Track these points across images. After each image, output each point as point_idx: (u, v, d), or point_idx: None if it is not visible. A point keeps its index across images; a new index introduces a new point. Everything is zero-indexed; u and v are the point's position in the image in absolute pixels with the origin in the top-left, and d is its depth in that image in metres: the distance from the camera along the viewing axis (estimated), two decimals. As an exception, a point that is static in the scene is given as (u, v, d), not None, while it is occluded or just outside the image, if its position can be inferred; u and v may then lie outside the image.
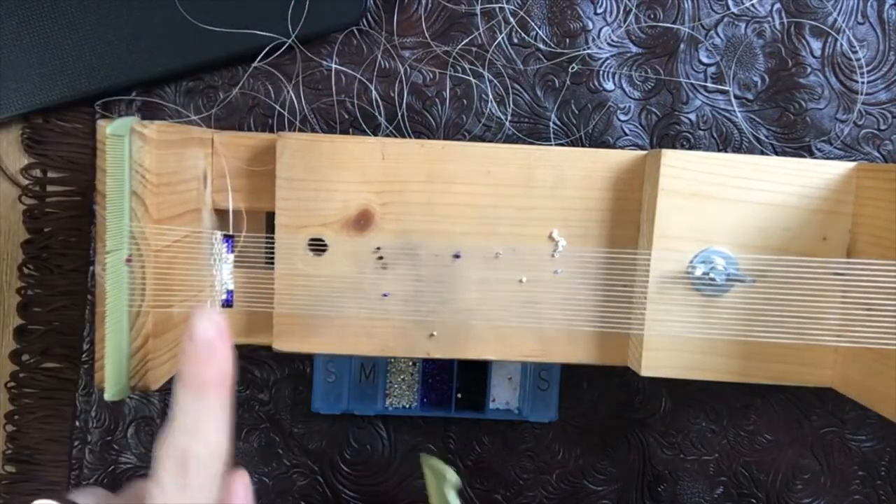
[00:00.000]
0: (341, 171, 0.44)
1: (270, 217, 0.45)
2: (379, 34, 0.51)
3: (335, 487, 0.55)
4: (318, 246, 0.44)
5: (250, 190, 0.45)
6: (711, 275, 0.41)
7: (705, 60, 0.51)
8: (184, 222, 0.41)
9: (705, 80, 0.51)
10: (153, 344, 0.38)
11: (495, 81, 0.51)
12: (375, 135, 0.51)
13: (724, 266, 0.42)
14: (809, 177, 0.42)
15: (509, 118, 0.51)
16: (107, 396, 0.37)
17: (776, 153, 0.51)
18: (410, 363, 0.54)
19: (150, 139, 0.37)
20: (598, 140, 0.51)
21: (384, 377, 0.53)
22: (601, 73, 0.51)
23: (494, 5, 0.50)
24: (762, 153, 0.51)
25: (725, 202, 0.42)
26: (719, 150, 0.51)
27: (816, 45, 0.51)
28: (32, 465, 0.54)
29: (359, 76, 0.51)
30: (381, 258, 0.44)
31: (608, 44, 0.51)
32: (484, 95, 0.51)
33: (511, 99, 0.51)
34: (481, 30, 0.51)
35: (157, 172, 0.37)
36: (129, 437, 0.54)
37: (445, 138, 0.51)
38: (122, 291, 0.37)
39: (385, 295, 0.45)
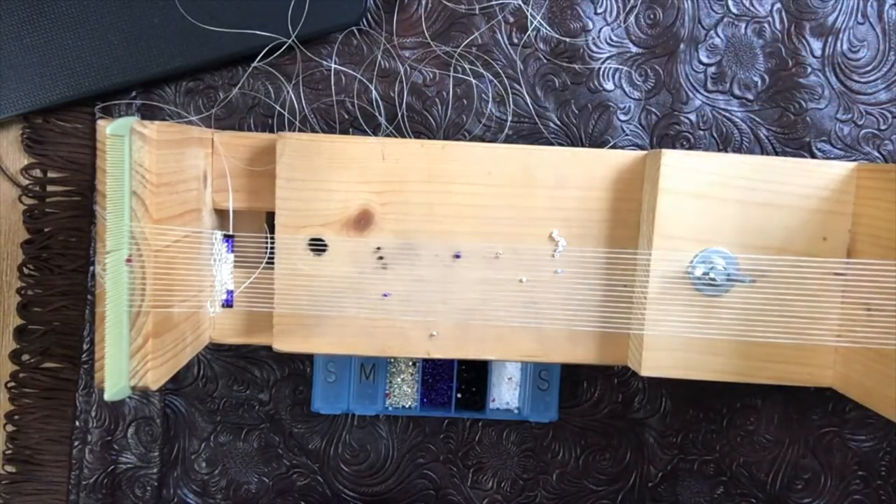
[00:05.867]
0: (341, 172, 0.44)
1: (270, 217, 0.45)
2: (379, 34, 0.51)
3: (335, 487, 0.55)
4: (318, 246, 0.44)
5: (250, 190, 0.45)
6: (711, 275, 0.41)
7: (705, 60, 0.51)
8: (184, 222, 0.41)
9: (705, 80, 0.51)
10: (153, 344, 0.38)
11: (495, 81, 0.51)
12: (375, 135, 0.51)
13: (724, 266, 0.42)
14: (809, 177, 0.42)
15: (509, 118, 0.51)
16: (107, 396, 0.37)
17: (776, 153, 0.51)
18: (410, 363, 0.54)
19: (150, 139, 0.37)
20: (598, 140, 0.51)
21: (384, 377, 0.53)
22: (601, 73, 0.51)
23: (494, 5, 0.50)
24: (762, 153, 0.51)
25: (725, 202, 0.42)
26: (719, 150, 0.51)
27: (816, 45, 0.51)
28: (32, 465, 0.54)
29: (359, 76, 0.51)
30: (381, 258, 0.44)
31: (608, 44, 0.51)
32: (484, 95, 0.51)
33: (511, 99, 0.51)
34: (481, 30, 0.51)
35: (157, 172, 0.37)
36: (129, 437, 0.54)
37: (445, 138, 0.51)
38: (122, 291, 0.37)
39: (385, 295, 0.44)
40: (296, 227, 0.44)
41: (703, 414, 0.54)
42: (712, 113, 0.51)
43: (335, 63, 0.51)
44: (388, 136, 0.51)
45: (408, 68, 0.51)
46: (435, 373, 0.54)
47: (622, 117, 0.51)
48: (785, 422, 0.54)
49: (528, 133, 0.51)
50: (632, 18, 0.51)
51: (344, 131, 0.51)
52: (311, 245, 0.44)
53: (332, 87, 0.51)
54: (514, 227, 0.44)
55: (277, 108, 0.51)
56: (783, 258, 0.42)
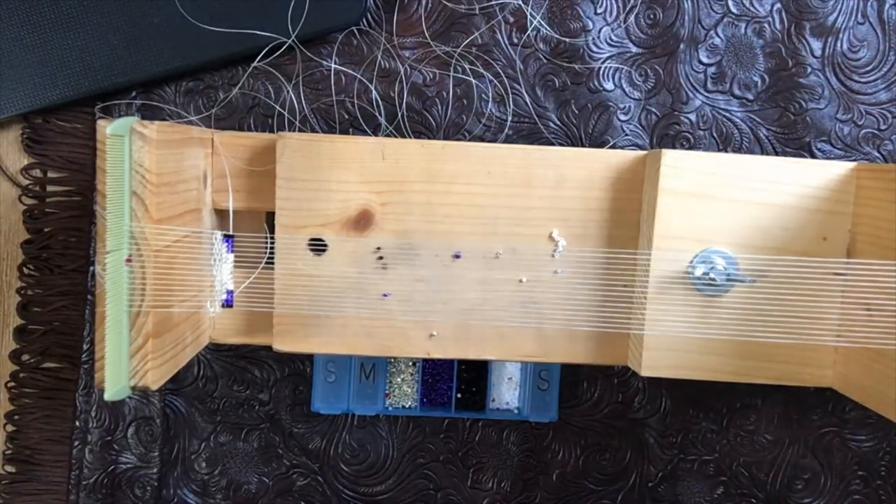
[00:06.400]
0: (341, 171, 0.44)
1: (270, 217, 0.45)
2: (379, 34, 0.51)
3: (335, 487, 0.55)
4: (318, 246, 0.44)
5: (250, 190, 0.45)
6: (711, 275, 0.41)
7: (705, 60, 0.51)
8: (184, 222, 0.41)
9: (705, 80, 0.51)
10: (153, 344, 0.38)
11: (495, 81, 0.51)
12: (375, 135, 0.51)
13: (724, 266, 0.42)
14: (809, 177, 0.42)
15: (509, 118, 0.51)
16: (107, 396, 0.37)
17: (776, 153, 0.51)
18: (410, 363, 0.54)
19: (150, 139, 0.37)
20: (598, 140, 0.51)
21: (384, 377, 0.53)
22: (601, 73, 0.51)
23: (494, 5, 0.50)
24: (762, 153, 0.51)
25: (725, 202, 0.42)
26: (719, 150, 0.51)
27: (816, 45, 0.51)
28: (32, 465, 0.54)
29: (359, 76, 0.51)
30: (381, 258, 0.44)
31: (608, 44, 0.51)
32: (484, 95, 0.51)
33: (511, 99, 0.51)
34: (481, 30, 0.51)
35: (157, 172, 0.37)
36: (129, 437, 0.54)
37: (445, 138, 0.51)
38: (122, 291, 0.37)
39: (385, 295, 0.44)
40: (296, 227, 0.44)
41: (703, 414, 0.54)
42: (712, 113, 0.51)
43: (335, 63, 0.51)
44: (388, 136, 0.51)
45: (408, 68, 0.51)
46: (435, 373, 0.54)
47: (622, 117, 0.51)
48: (785, 422, 0.54)
49: (528, 133, 0.51)
50: (632, 18, 0.51)
51: (344, 131, 0.51)
52: (311, 245, 0.44)
53: (332, 87, 0.51)
54: (513, 227, 0.44)
55: (277, 108, 0.51)
56: (783, 258, 0.42)
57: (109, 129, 0.36)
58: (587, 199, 0.44)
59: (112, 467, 0.54)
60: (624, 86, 0.51)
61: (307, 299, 0.44)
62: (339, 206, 0.44)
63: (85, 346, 0.53)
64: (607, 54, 0.51)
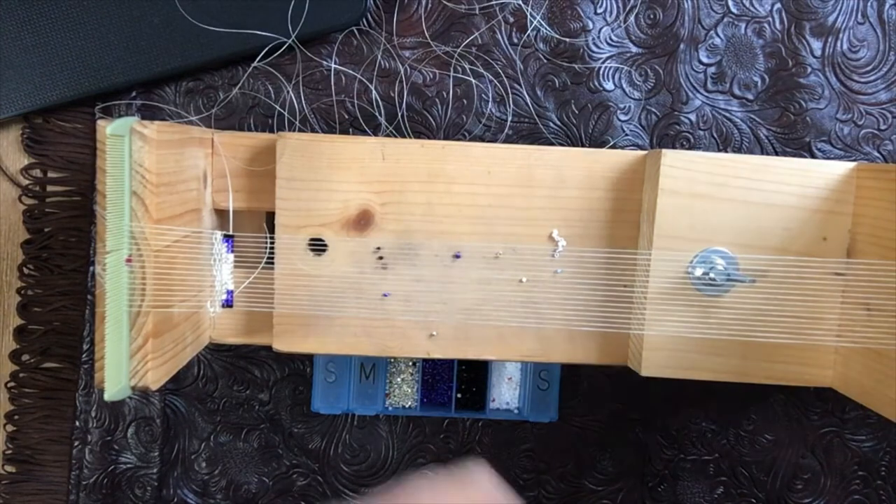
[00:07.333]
0: (341, 172, 0.44)
1: (270, 217, 0.45)
2: (379, 34, 0.51)
3: (335, 487, 0.55)
4: (318, 246, 0.44)
5: (250, 190, 0.45)
6: (711, 275, 0.41)
7: (705, 60, 0.51)
8: (184, 222, 0.41)
9: (705, 80, 0.51)
10: (153, 344, 0.38)
11: (495, 81, 0.51)
12: (375, 135, 0.51)
13: (724, 266, 0.42)
14: (809, 177, 0.42)
15: (509, 118, 0.51)
16: (107, 396, 0.37)
17: (776, 153, 0.51)
18: (410, 363, 0.54)
19: (150, 139, 0.37)
20: (598, 140, 0.51)
21: (384, 377, 0.53)
22: (601, 73, 0.51)
23: (494, 5, 0.50)
24: (762, 153, 0.51)
25: (725, 202, 0.42)
26: (719, 150, 0.51)
27: (816, 45, 0.51)
28: (32, 465, 0.54)
29: (359, 76, 0.51)
30: (381, 258, 0.44)
31: (608, 44, 0.51)
32: (484, 95, 0.51)
33: (511, 99, 0.51)
34: (481, 30, 0.51)
35: (157, 172, 0.37)
36: (129, 437, 0.54)
37: (445, 138, 0.51)
38: (122, 291, 0.37)
39: (385, 295, 0.44)
40: (296, 227, 0.44)
41: (704, 414, 0.54)
42: (712, 113, 0.51)
43: (335, 63, 0.51)
44: (388, 136, 0.51)
45: (408, 68, 0.51)
46: (435, 373, 0.54)
47: (622, 117, 0.51)
48: (785, 422, 0.54)
49: (528, 133, 0.51)
50: (632, 18, 0.51)
51: (344, 131, 0.51)
52: (311, 245, 0.44)
53: (332, 87, 0.51)
54: (514, 227, 0.44)
55: (277, 108, 0.51)
56: (783, 258, 0.42)
57: (109, 129, 0.36)
58: (587, 199, 0.44)
59: (112, 467, 0.54)
60: (624, 86, 0.51)
61: (307, 299, 0.44)
62: (339, 206, 0.44)
63: (85, 346, 0.53)
64: (607, 54, 0.51)
